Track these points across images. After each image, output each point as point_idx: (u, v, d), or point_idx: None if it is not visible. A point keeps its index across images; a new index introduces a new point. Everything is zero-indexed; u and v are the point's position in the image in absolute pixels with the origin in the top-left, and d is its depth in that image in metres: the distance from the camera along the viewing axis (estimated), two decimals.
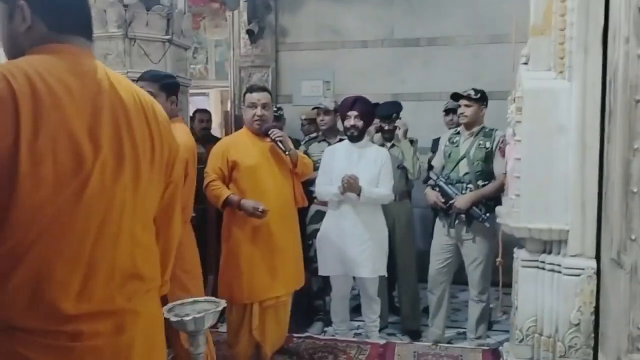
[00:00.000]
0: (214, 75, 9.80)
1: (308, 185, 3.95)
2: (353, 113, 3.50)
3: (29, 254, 1.10)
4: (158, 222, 1.43)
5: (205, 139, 5.08)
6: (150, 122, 1.32)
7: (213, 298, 2.45)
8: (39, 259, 1.11)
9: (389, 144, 3.95)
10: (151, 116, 1.33)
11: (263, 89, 3.12)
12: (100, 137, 1.18)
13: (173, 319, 2.18)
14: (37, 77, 1.09)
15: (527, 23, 3.06)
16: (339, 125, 3.99)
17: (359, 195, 3.38)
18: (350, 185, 3.34)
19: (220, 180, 2.97)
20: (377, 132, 4.03)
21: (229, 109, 7.38)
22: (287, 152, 3.04)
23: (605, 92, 2.74)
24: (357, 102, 3.53)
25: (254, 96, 3.03)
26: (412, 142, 3.99)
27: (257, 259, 2.93)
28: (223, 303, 2.37)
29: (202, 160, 4.48)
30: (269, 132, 3.02)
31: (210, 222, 4.37)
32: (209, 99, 9.74)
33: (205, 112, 5.19)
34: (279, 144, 3.02)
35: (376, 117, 3.94)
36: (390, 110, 3.96)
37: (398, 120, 3.94)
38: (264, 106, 3.02)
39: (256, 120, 3.02)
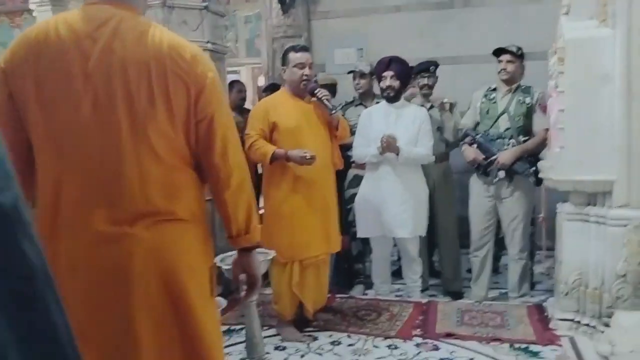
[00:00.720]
0: (244, 53, 9.85)
1: (345, 150, 3.97)
2: (389, 73, 3.49)
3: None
4: (205, 162, 1.46)
5: (242, 110, 5.16)
6: (152, 71, 1.36)
7: (262, 249, 2.53)
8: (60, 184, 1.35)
9: (428, 105, 3.93)
10: (158, 67, 1.36)
11: (306, 49, 3.14)
12: (93, 75, 1.33)
13: (225, 267, 2.26)
14: (53, 28, 1.36)
15: None
16: (375, 89, 3.99)
17: (397, 155, 3.38)
18: (389, 145, 3.35)
19: (262, 140, 3.01)
20: (420, 89, 3.98)
21: (261, 83, 7.44)
22: (332, 112, 3.07)
23: None
24: (393, 62, 3.52)
25: (302, 56, 3.04)
26: (451, 105, 3.96)
27: (296, 218, 2.99)
28: (272, 253, 2.44)
29: (240, 129, 4.58)
30: (315, 91, 3.05)
31: None
32: (240, 76, 9.81)
33: (241, 83, 5.29)
34: (326, 102, 3.05)
35: (413, 73, 3.94)
36: (427, 65, 3.94)
37: (445, 100, 3.90)
38: (310, 66, 3.06)
39: (304, 80, 3.05)
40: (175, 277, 1.38)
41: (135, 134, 1.35)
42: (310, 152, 2.90)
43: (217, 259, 2.55)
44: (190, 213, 1.45)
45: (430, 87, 3.94)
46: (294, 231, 2.99)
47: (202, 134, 1.42)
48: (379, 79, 3.58)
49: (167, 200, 1.39)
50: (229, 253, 2.64)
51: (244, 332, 2.84)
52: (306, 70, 3.03)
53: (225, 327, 3.19)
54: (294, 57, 3.02)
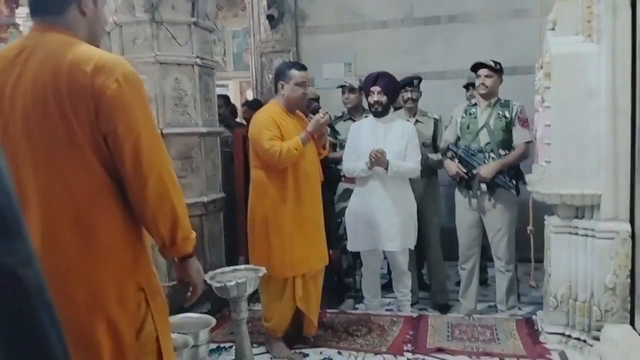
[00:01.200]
0: (232, 67, 9.88)
1: (335, 164, 3.98)
2: (376, 88, 3.52)
3: None
4: (122, 175, 1.41)
5: (230, 124, 5.16)
6: (48, 93, 1.34)
7: (252, 266, 2.51)
8: None
9: (413, 120, 3.96)
10: (55, 87, 1.34)
11: (305, 68, 3.14)
12: (4, 104, 1.37)
13: (216, 284, 2.24)
14: None
15: None
16: (364, 104, 4.01)
17: (386, 169, 3.40)
18: (378, 159, 3.37)
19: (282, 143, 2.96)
20: (404, 102, 4.01)
21: (249, 97, 7.44)
22: (332, 132, 3.12)
23: (635, 54, 2.72)
24: (380, 78, 3.54)
25: (304, 75, 3.05)
26: (436, 120, 4.00)
27: (296, 232, 2.97)
28: (263, 270, 2.42)
29: (227, 144, 4.58)
30: (319, 111, 3.08)
31: (239, 204, 4.43)
32: (228, 90, 9.82)
33: (221, 97, 5.32)
34: (321, 113, 3.09)
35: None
36: (411, 79, 3.98)
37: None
38: (308, 85, 3.10)
39: (304, 99, 3.09)
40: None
41: (36, 166, 1.34)
42: (319, 114, 2.97)
43: (207, 276, 2.54)
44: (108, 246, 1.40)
45: (414, 101, 3.97)
46: (295, 246, 2.96)
47: (112, 147, 1.38)
48: (367, 94, 3.61)
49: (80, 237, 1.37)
50: (219, 270, 2.63)
51: (233, 349, 2.81)
52: (306, 89, 3.05)
53: (214, 345, 3.15)
54: (297, 74, 3.01)
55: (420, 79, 4.01)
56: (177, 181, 1.48)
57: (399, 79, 4.07)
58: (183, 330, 2.48)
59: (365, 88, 3.67)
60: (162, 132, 3.41)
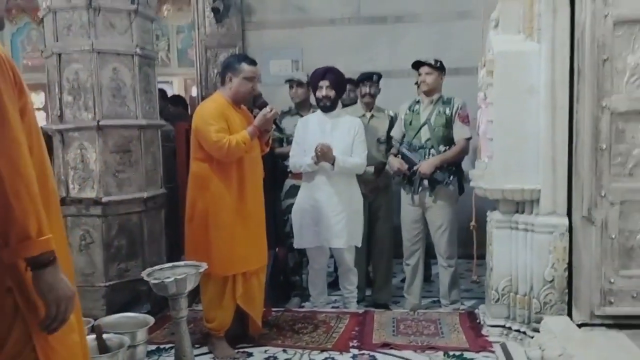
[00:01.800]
0: (176, 63, 9.64)
1: (282, 159, 3.93)
2: (325, 83, 3.49)
3: None
4: None
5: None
6: None
7: (193, 262, 2.42)
8: None
9: (369, 114, 3.96)
10: None
11: (256, 63, 3.05)
12: None
13: (153, 281, 2.13)
14: None
15: None
16: (312, 100, 3.97)
17: (333, 164, 3.37)
18: (324, 154, 3.34)
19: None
20: (361, 97, 4.01)
21: (194, 94, 7.27)
22: (278, 129, 3.06)
23: (573, 52, 2.80)
24: (328, 72, 3.53)
25: (254, 69, 2.96)
26: (392, 117, 4.02)
27: (238, 228, 2.88)
28: (204, 266, 2.33)
29: (169, 138, 4.43)
30: (256, 102, 3.01)
31: (181, 201, 4.29)
32: (173, 87, 9.58)
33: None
34: (268, 107, 3.02)
35: (357, 81, 4.03)
36: (371, 74, 3.99)
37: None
38: (257, 80, 3.01)
39: (252, 94, 3.01)
40: None
41: None
42: (267, 108, 2.89)
43: (144, 273, 2.43)
44: None
45: (372, 96, 3.98)
46: (236, 243, 2.87)
47: None
48: (315, 89, 3.58)
49: None
50: (157, 267, 2.52)
51: (173, 350, 2.70)
52: (255, 84, 2.97)
53: (153, 346, 3.03)
54: (248, 69, 2.92)
55: (380, 76, 4.02)
56: (25, 168, 1.25)
57: (347, 76, 4.08)
58: (120, 330, 2.36)
59: (313, 82, 3.65)
60: (98, 124, 3.26)
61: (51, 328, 1.29)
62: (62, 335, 1.33)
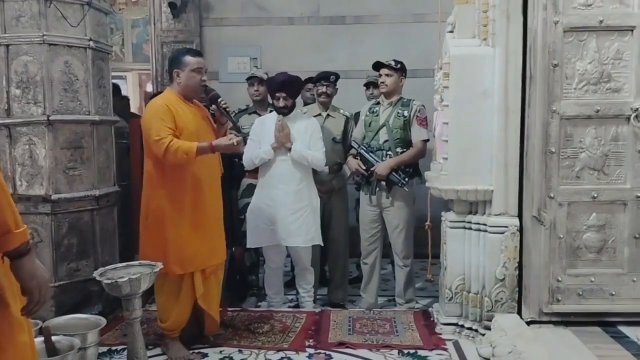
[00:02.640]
0: (131, 58, 9.41)
1: (239, 158, 3.88)
2: (282, 94, 3.51)
3: None
4: None
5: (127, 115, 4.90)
6: None
7: (147, 262, 2.37)
8: None
9: (324, 113, 3.97)
10: None
11: (201, 54, 3.00)
12: None
13: (106, 281, 2.08)
14: None
15: (451, 2, 3.16)
16: (269, 99, 3.95)
17: (289, 150, 3.44)
18: (283, 130, 3.41)
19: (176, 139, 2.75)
20: (318, 96, 4.02)
21: (149, 89, 7.13)
22: (232, 122, 3.03)
23: (526, 58, 2.89)
24: (285, 84, 3.52)
25: (200, 60, 2.89)
26: (347, 118, 4.04)
27: (195, 225, 2.83)
28: (159, 265, 2.29)
29: (123, 135, 4.33)
30: (219, 100, 2.93)
31: (135, 199, 4.19)
32: (127, 82, 9.35)
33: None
34: (227, 112, 2.97)
35: (314, 81, 4.06)
36: (329, 74, 4.00)
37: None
38: (205, 72, 2.93)
39: (202, 86, 2.92)
40: None
41: None
42: (234, 138, 2.79)
43: (96, 273, 2.36)
44: None
45: (329, 96, 3.99)
46: (193, 240, 2.82)
47: None
48: (272, 96, 3.59)
49: None
50: (109, 267, 2.46)
51: (125, 352, 2.64)
52: (204, 76, 2.90)
53: (105, 348, 2.95)
54: (192, 60, 2.86)
55: (337, 76, 4.03)
56: None
57: (305, 76, 4.08)
58: (69, 332, 2.29)
59: (270, 91, 3.67)
60: (48, 119, 3.15)
61: (33, 313, 1.34)
62: (10, 335, 1.32)
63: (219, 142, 2.80)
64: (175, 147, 2.67)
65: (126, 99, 5.55)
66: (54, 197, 3.19)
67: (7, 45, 3.14)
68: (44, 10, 3.12)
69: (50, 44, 3.15)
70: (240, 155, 3.82)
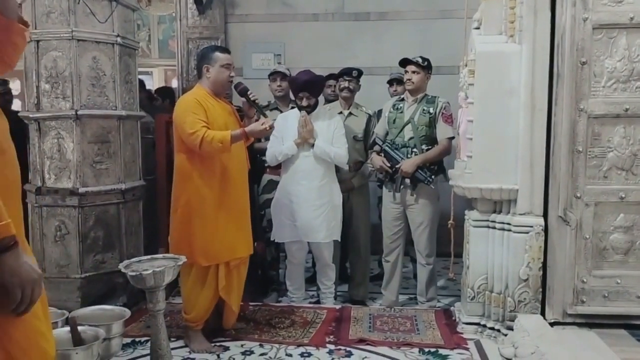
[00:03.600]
0: (157, 54, 9.53)
1: (260, 154, 3.91)
2: (305, 94, 3.53)
3: None
4: None
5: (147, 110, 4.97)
6: None
7: (171, 255, 2.40)
8: None
9: (347, 111, 3.96)
10: None
11: (229, 51, 3.06)
12: None
13: (131, 273, 2.11)
14: None
15: None
16: (291, 95, 3.97)
17: (312, 146, 3.46)
18: (307, 125, 3.42)
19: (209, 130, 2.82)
20: (340, 91, 4.02)
21: (174, 85, 7.20)
22: (262, 114, 3.05)
23: (553, 55, 2.84)
24: (308, 84, 3.54)
25: (229, 57, 2.96)
26: (370, 116, 4.02)
27: (221, 218, 2.87)
28: (183, 258, 2.31)
29: (149, 130, 4.38)
30: (248, 93, 2.98)
31: (160, 193, 4.26)
32: (153, 77, 9.47)
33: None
34: (256, 104, 3.01)
35: (336, 77, 4.05)
36: (351, 69, 3.99)
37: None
38: (233, 67, 2.99)
39: (230, 81, 2.98)
40: None
41: None
42: (267, 122, 2.86)
43: (122, 265, 2.40)
44: None
45: (351, 91, 3.96)
46: (219, 232, 2.86)
47: None
48: (294, 95, 3.62)
49: None
50: (134, 259, 2.50)
51: (149, 344, 2.68)
52: (232, 72, 2.96)
53: (129, 339, 3.00)
54: (222, 57, 2.92)
55: (360, 72, 4.01)
56: None
57: (328, 73, 4.08)
58: (95, 322, 2.33)
59: (293, 91, 3.69)
60: (76, 114, 3.21)
61: (18, 311, 1.26)
62: (20, 321, 1.28)
63: (252, 127, 2.88)
64: (210, 137, 2.73)
65: (149, 93, 5.63)
66: (82, 190, 3.26)
67: (38, 41, 3.21)
68: (73, 7, 3.18)
69: (78, 40, 3.21)
70: (261, 152, 3.85)
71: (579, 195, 2.84)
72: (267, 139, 3.74)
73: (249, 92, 3.00)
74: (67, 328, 2.19)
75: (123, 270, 2.29)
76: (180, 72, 5.60)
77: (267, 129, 2.87)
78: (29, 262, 1.27)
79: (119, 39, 3.35)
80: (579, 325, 2.90)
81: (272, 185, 3.81)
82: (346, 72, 3.97)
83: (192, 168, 2.86)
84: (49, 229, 3.29)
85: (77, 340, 2.14)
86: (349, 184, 3.89)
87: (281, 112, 3.92)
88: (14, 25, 1.28)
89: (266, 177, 3.97)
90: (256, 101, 3.02)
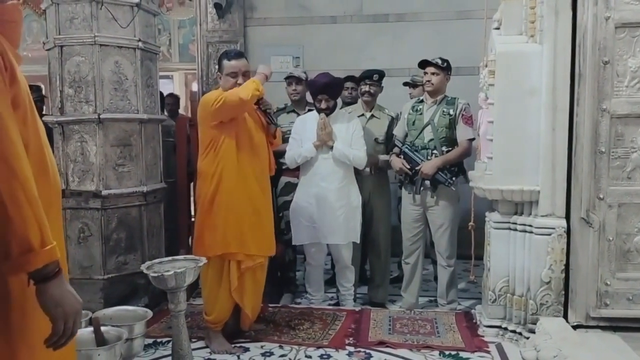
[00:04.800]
0: (177, 58, 9.63)
1: (278, 157, 3.92)
2: (324, 97, 3.53)
3: None
4: None
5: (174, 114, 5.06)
6: None
7: (192, 256, 2.42)
8: None
9: (368, 114, 3.96)
10: None
11: (241, 55, 3.03)
12: None
13: (153, 275, 2.14)
14: None
15: None
16: (308, 97, 3.98)
17: (331, 148, 3.46)
18: (325, 128, 3.43)
19: None
20: (361, 95, 4.01)
21: (195, 89, 7.27)
22: (273, 123, 3.10)
23: (574, 54, 2.81)
24: (327, 87, 3.53)
25: (235, 64, 2.92)
26: (392, 118, 4.01)
27: (235, 211, 2.89)
28: (203, 260, 2.34)
29: (170, 134, 4.44)
30: (259, 102, 3.01)
31: (182, 196, 4.31)
32: (173, 81, 9.57)
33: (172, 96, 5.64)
34: (268, 114, 3.06)
35: (357, 80, 4.03)
36: (372, 72, 3.98)
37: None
38: (244, 74, 2.94)
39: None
40: None
41: None
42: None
43: (143, 267, 2.43)
44: None
45: (372, 95, 3.95)
46: (230, 221, 2.88)
47: None
48: (313, 98, 3.62)
49: None
50: (156, 260, 2.53)
51: (170, 344, 2.71)
52: (239, 79, 2.91)
53: (151, 340, 3.03)
54: (227, 65, 2.92)
55: (381, 74, 4.00)
56: (22, 170, 1.09)
57: (346, 75, 4.08)
58: (117, 323, 2.37)
59: (312, 93, 3.68)
60: (99, 117, 3.27)
61: (58, 345, 1.18)
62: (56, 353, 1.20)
63: (262, 69, 3.01)
64: (230, 93, 2.82)
65: (176, 97, 5.71)
66: (104, 192, 3.31)
67: (61, 46, 3.27)
68: (95, 12, 3.24)
69: (101, 45, 3.26)
70: (282, 154, 3.86)
71: (602, 196, 2.80)
72: (285, 140, 3.75)
73: (260, 101, 3.01)
74: (90, 328, 2.22)
75: (145, 271, 2.32)
76: (200, 76, 5.66)
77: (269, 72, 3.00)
78: (72, 290, 1.20)
79: (140, 44, 3.39)
80: (603, 328, 2.86)
81: (290, 187, 3.83)
82: (367, 76, 3.96)
83: (214, 170, 2.89)
84: (73, 230, 3.35)
85: (100, 340, 2.17)
86: (370, 185, 3.87)
87: (298, 114, 3.93)
88: (5, 5, 1.22)
89: (283, 180, 3.97)
90: (267, 111, 3.06)
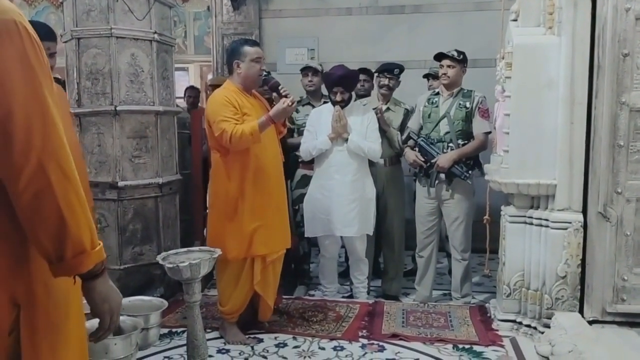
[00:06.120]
0: (192, 50, 9.66)
1: (293, 150, 3.93)
2: (339, 89, 3.52)
3: None
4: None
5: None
6: None
7: (207, 247, 2.44)
8: None
9: (385, 107, 3.94)
10: None
11: (258, 44, 3.08)
12: None
13: (168, 265, 2.16)
14: None
15: None
16: (323, 90, 3.98)
17: (346, 140, 3.45)
18: (341, 120, 3.41)
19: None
20: (379, 88, 3.99)
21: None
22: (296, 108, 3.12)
23: (593, 47, 2.77)
24: (342, 79, 3.52)
25: (259, 50, 2.96)
26: (407, 111, 3.99)
27: (258, 214, 2.90)
28: (218, 251, 2.35)
29: (185, 125, 4.46)
30: (279, 87, 3.01)
31: (196, 187, 4.33)
32: (189, 73, 9.61)
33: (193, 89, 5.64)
34: (288, 99, 3.00)
35: (376, 72, 4.00)
36: (392, 66, 3.96)
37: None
38: (263, 60, 2.99)
39: (261, 75, 3.00)
40: None
41: None
42: (287, 100, 2.84)
43: (159, 257, 2.46)
44: None
45: (390, 89, 3.95)
46: (252, 228, 2.88)
47: None
48: (328, 90, 3.62)
49: None
50: (171, 251, 2.55)
51: (185, 334, 2.74)
52: (262, 65, 2.97)
53: (166, 330, 3.07)
54: (252, 50, 2.92)
55: (401, 69, 3.98)
56: (73, 172, 1.08)
57: (361, 67, 4.06)
58: (133, 313, 2.39)
59: (327, 86, 3.67)
60: (115, 109, 3.29)
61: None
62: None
63: (275, 110, 2.85)
64: (238, 132, 2.75)
65: (197, 90, 5.74)
66: (121, 184, 3.34)
67: (79, 39, 3.30)
68: (112, 5, 3.25)
69: (117, 37, 3.28)
70: (294, 147, 3.87)
71: (619, 190, 2.77)
72: (300, 133, 3.75)
73: (280, 87, 3.02)
74: None
75: (160, 262, 2.34)
76: (216, 68, 5.68)
77: (290, 105, 2.84)
78: (114, 285, 1.23)
79: (156, 36, 3.41)
80: (619, 324, 2.83)
81: (306, 180, 3.83)
82: (387, 69, 3.93)
83: (227, 164, 2.90)
84: None
85: (116, 329, 2.20)
86: (384, 177, 3.87)
87: (313, 106, 3.93)
88: None
89: (300, 172, 3.98)
90: (287, 95, 3.01)
